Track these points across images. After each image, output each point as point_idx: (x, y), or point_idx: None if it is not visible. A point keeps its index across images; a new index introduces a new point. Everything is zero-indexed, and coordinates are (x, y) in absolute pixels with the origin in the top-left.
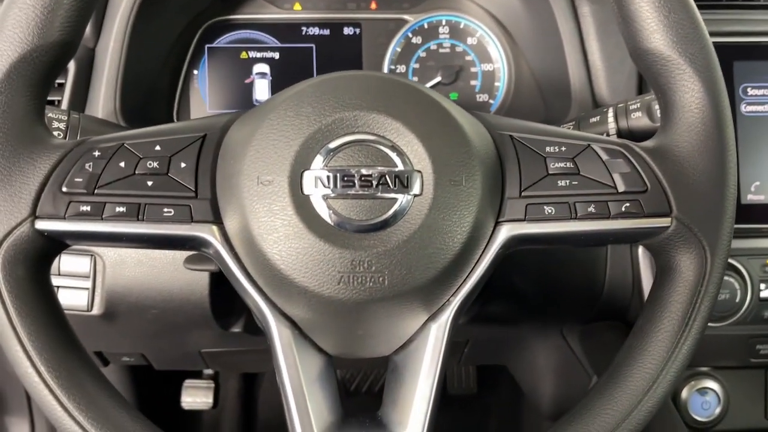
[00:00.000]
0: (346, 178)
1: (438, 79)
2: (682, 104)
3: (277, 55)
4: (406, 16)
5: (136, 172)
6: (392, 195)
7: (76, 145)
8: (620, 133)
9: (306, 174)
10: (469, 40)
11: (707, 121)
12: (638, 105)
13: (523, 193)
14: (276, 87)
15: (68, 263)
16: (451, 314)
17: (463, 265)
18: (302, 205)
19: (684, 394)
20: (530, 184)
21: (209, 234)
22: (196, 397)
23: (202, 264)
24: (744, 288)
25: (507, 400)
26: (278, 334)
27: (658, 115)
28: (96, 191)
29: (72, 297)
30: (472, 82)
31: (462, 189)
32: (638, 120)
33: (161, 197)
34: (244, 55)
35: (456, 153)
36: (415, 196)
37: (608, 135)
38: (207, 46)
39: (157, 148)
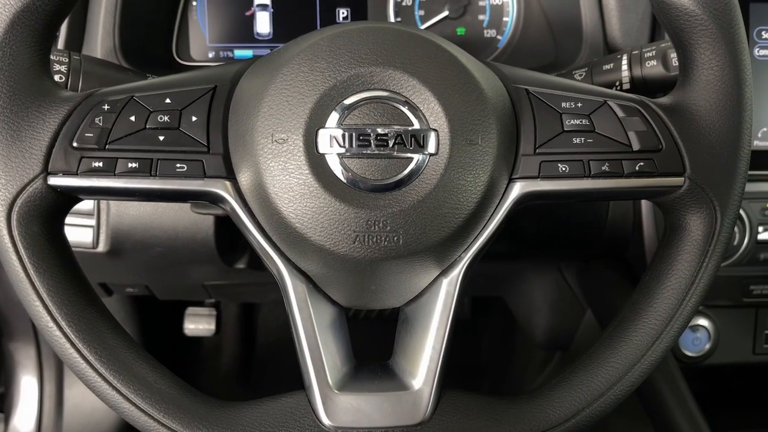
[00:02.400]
0: (361, 137)
1: (445, 12)
2: (702, 62)
3: None
4: None
5: (147, 126)
6: (408, 154)
7: (84, 98)
8: (634, 81)
9: (321, 132)
10: None
11: (727, 80)
12: (653, 53)
13: (537, 150)
14: (278, 20)
15: None
16: (463, 269)
17: (476, 222)
18: (317, 164)
19: None
20: (545, 140)
21: (223, 189)
22: (198, 324)
23: (208, 209)
24: (743, 230)
25: (500, 326)
26: (293, 288)
27: (674, 65)
28: (107, 146)
29: (77, 234)
30: (480, 17)
31: (478, 148)
32: (653, 68)
33: (173, 152)
34: None
35: (472, 111)
36: (431, 155)
37: (621, 83)
38: None
39: (168, 101)
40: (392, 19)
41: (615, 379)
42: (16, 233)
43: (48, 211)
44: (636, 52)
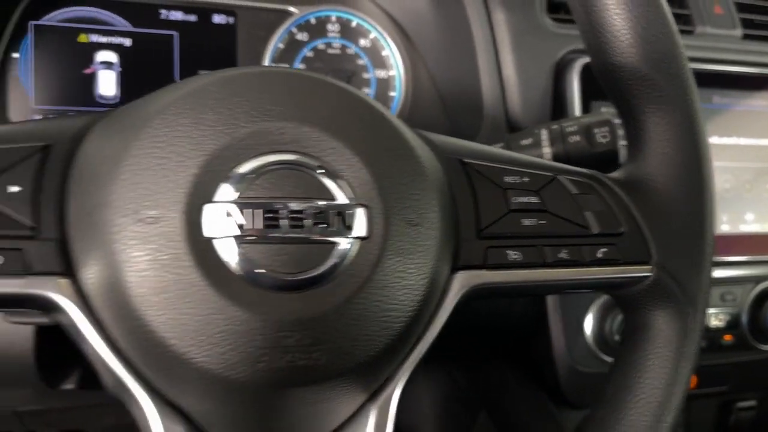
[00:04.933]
0: (269, 215)
1: None
2: (657, 131)
3: (128, 42)
4: (290, 8)
5: None
6: (331, 238)
7: None
8: (557, 158)
9: (208, 208)
10: (362, 42)
11: (686, 152)
12: (575, 128)
13: (482, 233)
14: (126, 81)
15: None
16: (397, 391)
17: (416, 328)
18: (204, 253)
19: None
20: (490, 222)
21: (56, 291)
22: None
23: (30, 317)
24: None
25: None
26: None
27: (599, 141)
28: None
29: None
30: (365, 90)
31: (420, 231)
32: (577, 144)
33: None
34: (82, 38)
35: (411, 183)
36: (361, 239)
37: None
38: (32, 22)
39: None
40: None
41: None
42: None
43: None
44: (555, 127)
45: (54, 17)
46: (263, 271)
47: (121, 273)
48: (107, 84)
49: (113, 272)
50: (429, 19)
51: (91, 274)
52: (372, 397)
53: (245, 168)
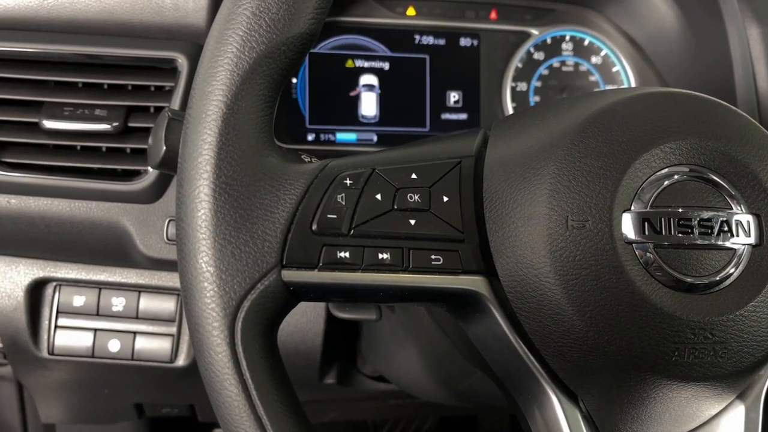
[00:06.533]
0: (683, 222)
1: None
2: None
3: (386, 66)
4: (530, 30)
5: (395, 206)
6: (729, 244)
7: (320, 170)
8: None
9: (627, 216)
10: (593, 59)
11: None
12: None
13: None
14: (384, 102)
15: (149, 303)
16: (764, 389)
17: None
18: (627, 255)
19: None
20: None
21: (482, 288)
22: None
23: (352, 312)
24: None
25: None
26: (568, 423)
27: None
28: (353, 231)
29: (151, 345)
30: None
31: None
32: None
33: (427, 240)
34: (349, 63)
35: None
36: (753, 246)
37: None
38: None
39: (413, 176)
40: (508, 103)
41: None
42: (240, 349)
43: (272, 318)
44: None
45: (326, 45)
46: (676, 273)
47: (548, 274)
48: (369, 105)
49: (540, 273)
50: (675, 36)
51: (510, 274)
52: (741, 395)
53: (654, 179)
